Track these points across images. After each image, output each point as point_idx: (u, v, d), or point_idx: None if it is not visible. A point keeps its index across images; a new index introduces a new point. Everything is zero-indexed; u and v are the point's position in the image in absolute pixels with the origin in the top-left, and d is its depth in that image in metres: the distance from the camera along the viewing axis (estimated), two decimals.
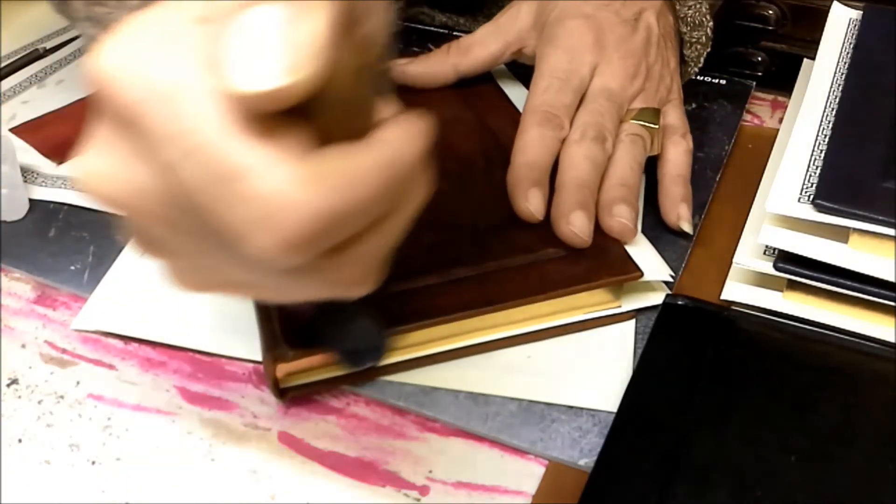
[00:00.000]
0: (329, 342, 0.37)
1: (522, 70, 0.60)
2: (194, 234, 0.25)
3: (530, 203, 0.44)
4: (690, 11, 0.52)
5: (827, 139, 0.44)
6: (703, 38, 0.53)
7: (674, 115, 0.51)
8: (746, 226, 0.47)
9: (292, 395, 0.40)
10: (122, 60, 0.23)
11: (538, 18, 0.52)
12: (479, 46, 0.54)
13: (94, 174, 0.25)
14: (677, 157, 0.49)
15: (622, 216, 0.44)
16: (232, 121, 0.21)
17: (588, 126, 0.46)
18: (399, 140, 0.25)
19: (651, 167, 0.49)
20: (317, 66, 0.21)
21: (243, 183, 0.21)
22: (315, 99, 0.21)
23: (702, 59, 0.54)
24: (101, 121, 0.24)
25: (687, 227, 0.47)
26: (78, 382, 0.42)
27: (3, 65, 0.63)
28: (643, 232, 0.46)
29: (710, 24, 0.52)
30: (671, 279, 0.44)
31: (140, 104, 0.22)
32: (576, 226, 0.42)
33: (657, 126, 0.48)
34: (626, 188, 0.45)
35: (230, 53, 0.21)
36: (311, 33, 0.21)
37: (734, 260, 0.44)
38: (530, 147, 0.46)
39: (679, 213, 0.47)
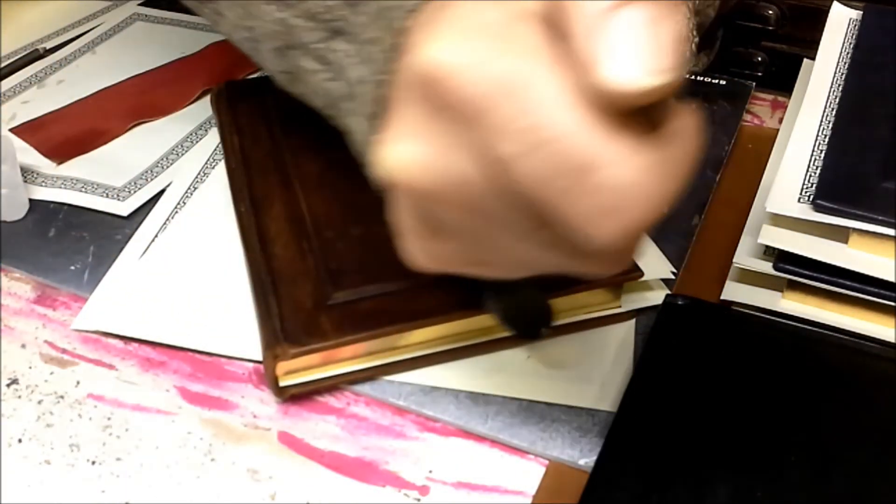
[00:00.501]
0: (501, 311, 0.38)
1: None
2: (502, 223, 0.25)
3: None
4: None
5: (827, 139, 0.43)
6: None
7: None
8: (746, 226, 0.47)
9: (292, 394, 0.40)
10: (461, 56, 0.23)
11: None
12: None
13: (409, 163, 0.25)
14: None
15: None
16: (588, 115, 0.22)
17: None
18: (693, 130, 0.25)
19: None
20: (681, 67, 0.21)
21: (598, 174, 0.22)
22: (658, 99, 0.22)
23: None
24: (419, 112, 0.25)
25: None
26: (78, 382, 0.42)
27: (3, 65, 0.63)
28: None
29: (696, 39, 0.52)
30: (673, 276, 0.44)
31: (485, 99, 0.23)
32: None
33: None
34: None
35: (599, 51, 0.21)
36: (674, 34, 0.21)
37: (734, 260, 0.44)
38: None
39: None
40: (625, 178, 0.22)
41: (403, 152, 0.25)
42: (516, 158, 0.23)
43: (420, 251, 0.30)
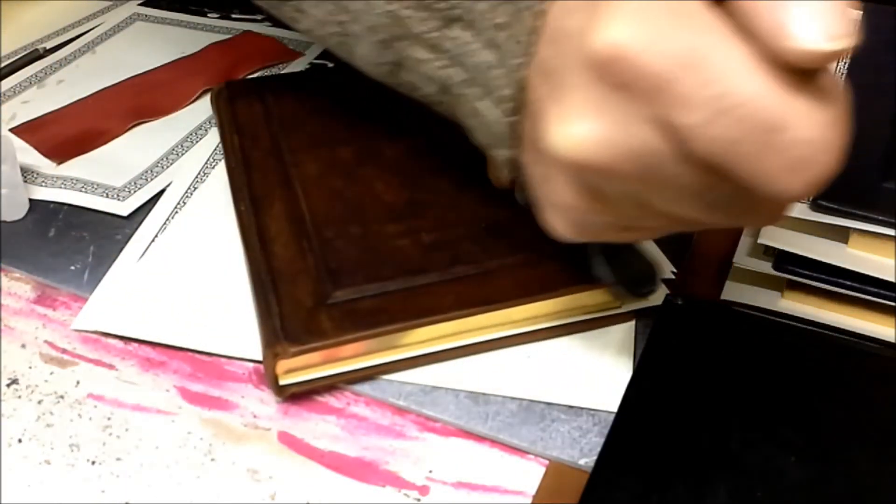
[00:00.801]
0: (610, 275, 0.40)
1: None
2: (676, 188, 0.27)
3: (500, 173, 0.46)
4: None
5: None
6: None
7: None
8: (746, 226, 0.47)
9: (292, 392, 0.40)
10: (640, 35, 0.25)
11: None
12: None
13: (585, 141, 0.27)
14: None
15: None
16: (772, 79, 0.24)
17: None
18: (841, 86, 0.27)
19: None
20: (853, 33, 0.23)
21: (787, 133, 0.24)
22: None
23: None
24: (594, 92, 0.26)
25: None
26: (78, 382, 0.42)
27: (3, 65, 0.63)
28: None
29: None
30: (673, 276, 0.44)
31: (669, 73, 0.24)
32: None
33: None
34: None
35: (785, 20, 0.23)
36: (845, 3, 0.23)
37: (734, 260, 0.44)
38: None
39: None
40: (813, 134, 0.24)
41: (579, 131, 0.27)
42: (704, 125, 0.24)
43: (572, 224, 0.32)
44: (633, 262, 0.41)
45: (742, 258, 0.44)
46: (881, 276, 0.39)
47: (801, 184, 0.25)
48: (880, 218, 0.38)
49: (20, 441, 0.39)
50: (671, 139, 0.25)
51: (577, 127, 0.27)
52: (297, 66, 0.64)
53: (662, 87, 0.25)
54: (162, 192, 0.52)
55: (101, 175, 0.53)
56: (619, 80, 0.25)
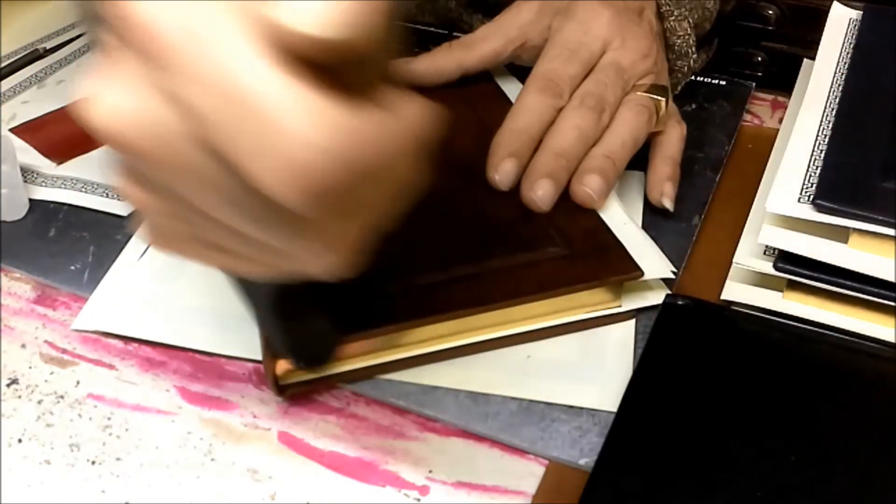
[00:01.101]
0: (283, 335, 0.37)
1: (522, 70, 0.60)
2: (200, 178, 0.24)
3: (498, 173, 0.45)
4: (679, 41, 0.52)
5: (827, 139, 0.43)
6: (686, 67, 0.53)
7: (671, 105, 0.51)
8: (746, 226, 0.47)
9: (292, 393, 0.40)
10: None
11: (541, 13, 0.52)
12: (482, 42, 0.54)
13: (110, 107, 0.24)
14: (671, 139, 0.49)
15: (590, 186, 0.44)
16: (273, 62, 0.22)
17: (588, 95, 0.47)
18: (413, 114, 0.25)
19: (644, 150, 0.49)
20: (371, 32, 0.21)
21: (279, 125, 0.21)
22: (341, 58, 0.22)
23: (679, 88, 0.54)
24: (123, 56, 0.24)
25: (668, 205, 0.48)
26: (78, 382, 0.42)
27: (3, 65, 0.63)
28: (644, 228, 0.46)
29: (694, 55, 0.53)
30: (673, 276, 0.44)
31: (172, 40, 0.22)
32: (537, 194, 0.44)
33: (665, 99, 0.49)
34: (609, 161, 0.45)
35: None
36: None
37: (734, 260, 0.44)
38: (522, 113, 0.47)
39: (662, 190, 0.48)
40: (305, 133, 0.21)
41: (107, 97, 0.24)
42: (202, 105, 0.22)
43: (149, 227, 0.29)
44: (307, 330, 0.37)
45: (742, 258, 0.44)
46: (881, 276, 0.39)
47: (294, 189, 0.22)
48: (880, 218, 0.38)
49: (20, 441, 0.39)
50: (180, 116, 0.23)
51: (101, 89, 0.24)
52: None
53: (170, 55, 0.22)
54: None
55: (101, 175, 0.53)
56: (138, 44, 0.23)
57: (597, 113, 0.46)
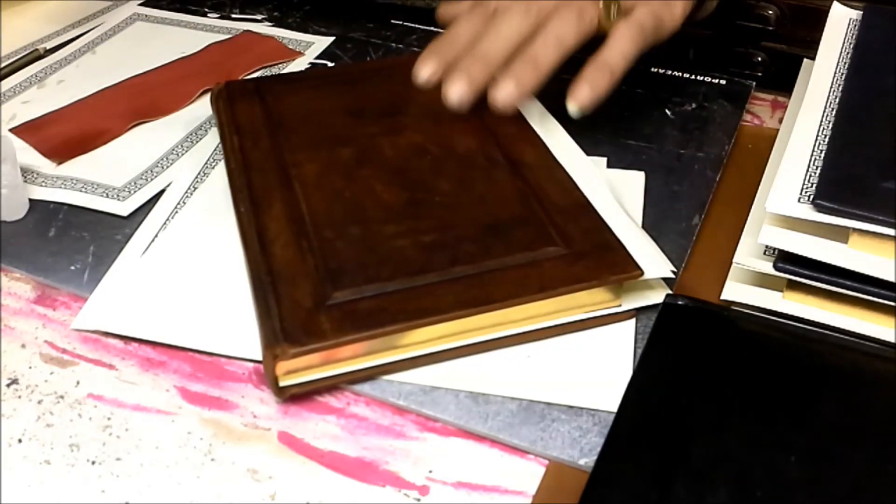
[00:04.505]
0: None
1: None
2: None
3: (420, 70, 0.48)
4: None
5: (827, 139, 0.44)
6: None
7: (649, 7, 0.47)
8: (746, 226, 0.47)
9: (292, 393, 0.40)
10: None
11: None
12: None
13: None
14: (611, 41, 0.46)
15: (504, 92, 0.45)
16: None
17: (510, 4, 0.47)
18: None
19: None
20: None
21: None
22: None
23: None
24: None
25: (572, 110, 0.46)
26: (78, 382, 0.42)
27: (3, 65, 0.63)
28: (644, 228, 0.46)
29: None
30: (673, 275, 0.44)
31: None
32: (450, 90, 0.46)
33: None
34: (531, 63, 0.46)
35: None
36: None
37: (734, 260, 0.44)
38: (458, 24, 0.48)
39: (574, 92, 0.46)
40: None
41: None
42: None
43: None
44: None
45: (742, 258, 0.44)
46: (881, 276, 0.39)
47: None
48: (880, 218, 0.38)
49: (20, 441, 0.39)
50: None
51: None
52: (297, 66, 0.64)
53: None
54: (162, 192, 0.52)
55: (101, 175, 0.53)
56: None
57: (521, 15, 0.46)
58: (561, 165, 0.48)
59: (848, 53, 0.49)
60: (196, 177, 0.53)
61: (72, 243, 0.49)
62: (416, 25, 0.69)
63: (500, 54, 0.45)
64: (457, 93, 0.45)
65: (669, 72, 0.61)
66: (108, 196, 0.52)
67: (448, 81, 0.45)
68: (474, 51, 0.46)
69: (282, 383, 0.40)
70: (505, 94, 0.44)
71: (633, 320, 0.43)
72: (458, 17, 0.48)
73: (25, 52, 0.65)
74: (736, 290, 0.44)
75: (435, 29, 0.67)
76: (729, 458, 0.35)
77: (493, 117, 0.52)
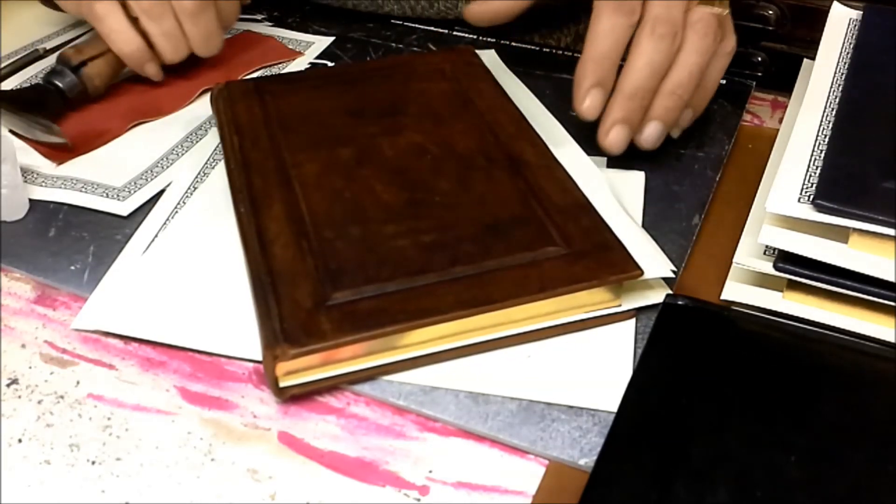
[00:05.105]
0: None
1: (522, 69, 0.60)
2: None
3: (586, 103, 0.47)
4: None
5: (827, 139, 0.44)
6: None
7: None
8: (746, 226, 0.47)
9: (292, 394, 0.40)
10: None
11: None
12: None
13: None
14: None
15: (655, 136, 0.47)
16: None
17: (658, 21, 0.47)
18: None
19: None
20: None
21: None
22: None
23: None
24: None
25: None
26: (78, 382, 0.42)
27: (3, 65, 0.63)
28: (644, 228, 0.46)
29: None
30: (673, 275, 0.44)
31: None
32: (612, 140, 0.47)
33: (726, 12, 0.49)
34: (675, 96, 0.47)
35: None
36: None
37: (734, 260, 0.44)
38: (600, 39, 0.47)
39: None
40: None
41: None
42: None
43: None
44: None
45: (742, 258, 0.44)
46: (881, 276, 0.39)
47: None
48: (880, 218, 0.38)
49: (20, 441, 0.39)
50: None
51: None
52: (297, 66, 0.64)
53: None
54: (162, 192, 0.52)
55: (101, 175, 0.53)
56: None
57: (668, 41, 0.46)
58: (561, 165, 0.48)
59: (848, 53, 0.49)
60: (196, 177, 0.53)
61: (72, 243, 0.49)
62: (417, 25, 0.69)
63: (653, 87, 0.47)
64: (617, 141, 0.46)
65: None
66: (108, 196, 0.52)
67: (613, 130, 0.46)
68: (625, 90, 0.46)
69: (282, 384, 0.40)
70: (656, 138, 0.47)
71: (633, 320, 0.43)
72: (598, 29, 0.47)
73: (25, 52, 0.65)
74: (736, 290, 0.44)
75: (435, 29, 0.67)
76: (729, 458, 0.35)
77: (493, 117, 0.52)
